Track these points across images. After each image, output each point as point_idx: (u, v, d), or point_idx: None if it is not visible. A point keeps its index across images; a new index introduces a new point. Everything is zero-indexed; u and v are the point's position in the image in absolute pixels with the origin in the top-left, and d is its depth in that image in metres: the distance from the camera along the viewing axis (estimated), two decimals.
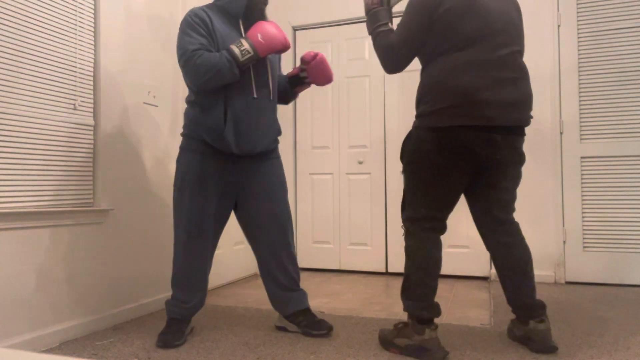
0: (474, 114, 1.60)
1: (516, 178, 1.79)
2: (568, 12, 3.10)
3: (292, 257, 2.08)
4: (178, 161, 2.00)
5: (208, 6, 1.99)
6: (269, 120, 2.01)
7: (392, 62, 1.73)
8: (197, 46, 1.84)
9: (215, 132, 1.90)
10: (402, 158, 1.79)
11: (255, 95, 1.95)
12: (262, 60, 1.98)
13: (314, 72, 2.06)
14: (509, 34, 1.68)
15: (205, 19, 1.90)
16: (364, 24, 3.64)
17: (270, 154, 2.06)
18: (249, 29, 1.96)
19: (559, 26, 3.12)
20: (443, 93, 1.63)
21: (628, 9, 2.98)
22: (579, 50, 3.07)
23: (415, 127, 1.74)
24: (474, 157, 1.66)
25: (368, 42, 3.64)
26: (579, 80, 3.07)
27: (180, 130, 2.70)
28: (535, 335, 1.74)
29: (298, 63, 3.44)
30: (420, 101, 1.72)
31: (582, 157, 3.05)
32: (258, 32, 1.85)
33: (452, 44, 1.63)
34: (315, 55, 2.03)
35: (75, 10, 2.07)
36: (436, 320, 2.23)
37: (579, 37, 3.07)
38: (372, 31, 1.80)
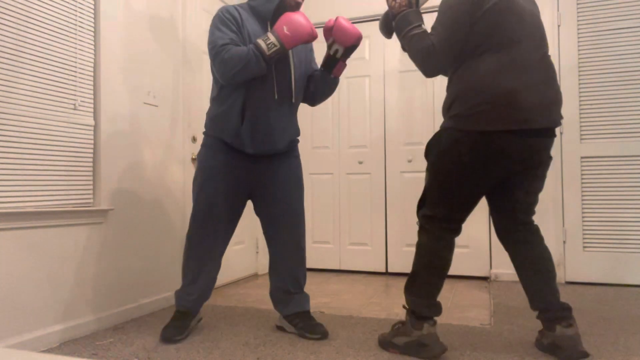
0: (515, 117, 1.56)
1: (543, 179, 1.76)
2: (568, 12, 3.10)
3: (302, 260, 2.09)
4: (197, 157, 2.08)
5: (241, 5, 2.01)
6: (287, 122, 2.00)
7: (435, 63, 1.65)
8: (226, 41, 1.86)
9: (232, 131, 1.93)
10: (427, 156, 1.75)
11: (276, 97, 1.94)
12: (285, 61, 1.96)
13: (339, 35, 1.95)
14: (541, 36, 1.67)
15: (236, 16, 1.93)
16: (365, 24, 3.64)
17: (288, 153, 2.07)
18: None
19: (559, 26, 3.12)
20: (483, 95, 1.58)
21: (628, 9, 2.98)
22: (579, 50, 3.07)
23: (448, 127, 1.67)
24: (509, 162, 1.62)
25: (368, 42, 3.63)
26: (579, 80, 3.07)
27: (180, 130, 2.70)
28: (564, 342, 1.64)
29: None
30: (454, 102, 1.66)
31: (582, 157, 3.05)
32: (284, 24, 1.82)
33: (494, 44, 1.59)
34: (336, 19, 1.96)
35: (75, 10, 2.07)
36: (436, 320, 2.23)
37: (579, 37, 3.07)
38: (404, 34, 1.72)
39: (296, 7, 1.98)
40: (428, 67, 1.68)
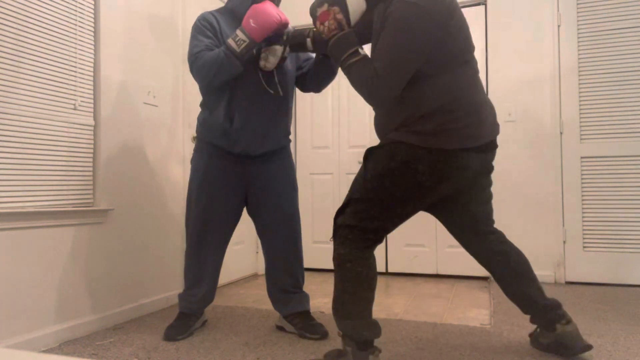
0: (478, 133, 1.50)
1: (489, 186, 1.71)
2: (568, 12, 3.10)
3: (299, 259, 2.09)
4: (191, 162, 2.09)
5: (219, 10, 2.04)
6: (277, 119, 2.00)
7: (382, 91, 1.43)
8: (201, 48, 1.88)
9: (221, 133, 1.94)
10: (368, 164, 1.54)
11: (263, 92, 1.95)
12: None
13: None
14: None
15: (212, 22, 1.95)
16: None
17: (280, 153, 2.07)
18: None
19: (559, 26, 3.12)
20: (456, 112, 1.46)
21: (628, 9, 2.98)
22: (579, 50, 3.07)
23: (404, 142, 1.48)
24: (465, 180, 1.54)
25: None
26: (579, 80, 3.07)
27: (180, 130, 2.70)
28: (567, 340, 1.62)
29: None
30: (414, 115, 1.48)
31: (582, 157, 3.05)
32: (250, 17, 1.80)
33: (457, 59, 1.48)
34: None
35: (75, 10, 2.07)
36: (436, 320, 2.23)
37: (579, 37, 3.07)
38: (341, 61, 1.50)
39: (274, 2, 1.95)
40: (373, 97, 1.45)
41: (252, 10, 1.82)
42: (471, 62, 1.55)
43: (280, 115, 2.02)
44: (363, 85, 1.45)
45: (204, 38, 1.91)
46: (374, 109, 1.63)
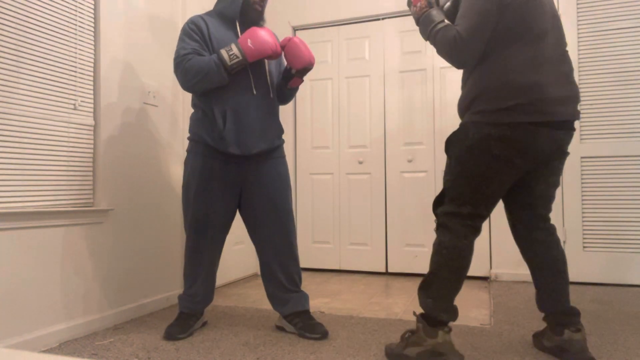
0: (541, 110, 1.55)
1: (560, 173, 1.76)
2: (568, 12, 3.10)
3: (295, 258, 2.09)
4: (185, 163, 2.08)
5: (208, 13, 2.06)
6: (269, 119, 2.03)
7: (463, 53, 1.59)
8: (188, 50, 1.91)
9: (216, 133, 1.95)
10: (448, 151, 1.70)
11: (254, 92, 1.97)
12: (258, 60, 1.99)
13: (289, 56, 2.00)
14: (561, 33, 1.68)
15: (201, 25, 1.97)
16: (364, 24, 3.64)
17: (273, 153, 2.07)
18: (245, 30, 2.02)
19: None
20: (510, 89, 1.56)
21: (628, 9, 2.98)
22: (579, 50, 3.07)
23: (474, 122, 1.62)
24: (538, 154, 1.61)
25: (368, 42, 3.63)
26: (579, 80, 3.07)
27: (180, 130, 2.70)
28: (572, 347, 1.63)
29: None
30: (479, 96, 1.62)
31: (582, 157, 3.05)
32: (248, 37, 1.88)
33: (519, 37, 1.58)
34: (289, 39, 1.99)
35: (75, 10, 2.07)
36: None
37: (579, 37, 3.07)
38: (429, 32, 1.68)
39: (261, 3, 2.01)
40: (456, 57, 1.62)
41: (252, 32, 1.88)
42: (533, 44, 1.59)
43: (271, 116, 2.04)
44: (447, 46, 1.61)
45: (192, 41, 1.93)
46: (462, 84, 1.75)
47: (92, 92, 2.16)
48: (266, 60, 2.03)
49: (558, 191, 3.07)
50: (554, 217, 3.07)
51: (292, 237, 2.09)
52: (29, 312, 1.82)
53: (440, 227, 1.68)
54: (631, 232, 2.94)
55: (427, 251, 3.40)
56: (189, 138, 2.07)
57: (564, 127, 1.63)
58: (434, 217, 1.76)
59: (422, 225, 3.42)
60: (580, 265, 3.03)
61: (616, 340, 1.89)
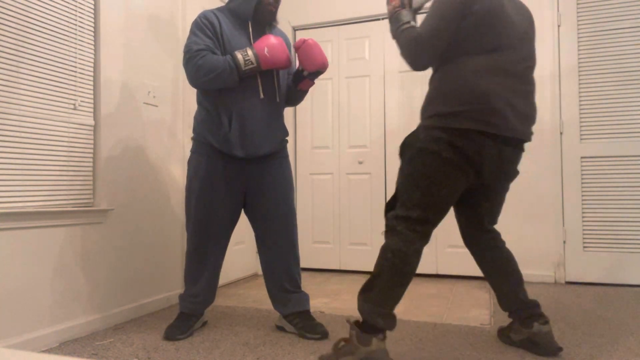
0: (493, 121, 1.55)
1: (506, 191, 1.82)
2: (568, 12, 3.10)
3: (296, 259, 2.09)
4: (188, 164, 2.07)
5: (219, 9, 2.03)
6: (274, 121, 2.02)
7: (422, 53, 1.59)
8: (202, 46, 1.88)
9: (221, 135, 1.94)
10: (402, 155, 1.69)
11: (262, 96, 1.96)
12: None
13: (302, 57, 1.99)
14: (526, 49, 1.67)
15: (213, 22, 1.95)
16: (365, 24, 3.64)
17: (277, 154, 2.07)
18: (257, 31, 2.02)
19: (559, 26, 3.12)
20: (463, 95, 1.57)
21: (628, 9, 2.98)
22: (579, 50, 3.07)
23: (426, 126, 1.63)
24: (483, 165, 1.60)
25: (368, 42, 3.63)
26: (579, 80, 3.07)
27: (180, 130, 2.70)
28: (541, 339, 1.70)
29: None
30: (433, 101, 1.63)
31: (582, 157, 3.05)
32: (266, 45, 1.87)
33: (478, 46, 1.59)
34: (304, 41, 1.98)
35: (75, 10, 2.07)
36: (436, 320, 2.23)
37: (579, 37, 3.07)
38: (395, 32, 1.70)
39: (275, 4, 2.01)
40: (415, 59, 1.62)
41: (269, 40, 1.89)
42: (492, 55, 1.59)
43: (277, 119, 2.03)
44: (408, 47, 1.62)
45: (205, 37, 1.91)
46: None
47: (92, 92, 2.16)
48: None
49: (558, 191, 3.08)
50: (554, 216, 3.08)
51: (294, 238, 2.09)
52: (29, 312, 1.82)
53: (388, 231, 1.63)
54: (631, 232, 2.94)
55: (427, 251, 3.40)
56: (193, 138, 2.06)
57: (512, 145, 1.63)
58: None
59: None
60: (580, 265, 3.03)
61: (616, 340, 1.89)
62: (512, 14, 1.64)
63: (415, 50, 1.60)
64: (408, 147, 1.67)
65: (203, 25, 1.93)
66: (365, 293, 1.60)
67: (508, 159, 1.64)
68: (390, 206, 1.70)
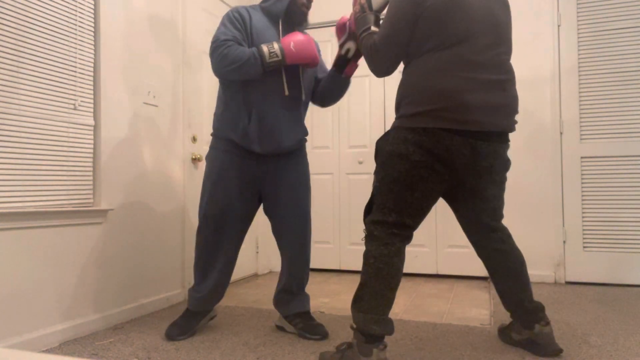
0: (459, 118, 1.51)
1: (501, 184, 1.73)
2: (568, 12, 3.10)
3: (307, 261, 2.09)
4: (206, 159, 2.06)
5: (252, 6, 2.04)
6: (295, 120, 2.00)
7: (379, 62, 1.60)
8: (229, 37, 1.88)
9: (240, 130, 1.93)
10: (376, 158, 1.67)
11: (286, 93, 1.95)
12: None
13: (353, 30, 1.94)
14: (495, 35, 1.59)
15: (244, 16, 1.96)
16: None
17: (296, 152, 2.06)
18: (287, 30, 2.02)
19: (559, 26, 3.12)
20: (427, 94, 1.53)
21: (628, 9, 2.98)
22: (579, 50, 3.07)
23: (395, 127, 1.61)
24: (456, 163, 1.56)
25: None
26: (579, 80, 3.07)
27: (180, 130, 2.70)
28: (542, 339, 1.70)
29: None
30: (401, 102, 1.62)
31: (582, 157, 3.05)
32: (292, 40, 1.87)
33: (437, 42, 1.54)
34: (351, 15, 1.93)
35: (75, 10, 2.07)
36: (436, 320, 2.23)
37: (579, 37, 3.07)
38: (358, 37, 1.71)
39: (308, 4, 2.01)
40: (374, 66, 1.63)
41: (296, 36, 1.88)
42: (453, 48, 1.54)
43: (298, 117, 2.01)
44: (366, 54, 1.65)
45: (233, 29, 1.91)
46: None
47: (92, 92, 2.16)
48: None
49: (558, 191, 3.08)
50: (554, 216, 3.07)
51: (308, 241, 2.08)
52: (29, 312, 1.82)
53: (367, 237, 1.62)
54: (631, 232, 2.94)
55: (427, 251, 3.40)
56: (212, 134, 2.05)
57: (487, 138, 1.58)
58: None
59: (422, 225, 3.42)
60: (580, 265, 3.03)
61: (616, 340, 1.89)
62: (472, 0, 1.57)
63: (373, 58, 1.62)
64: (380, 150, 1.66)
65: (233, 18, 1.94)
66: (356, 304, 1.58)
67: (486, 153, 1.59)
68: (368, 211, 1.67)
